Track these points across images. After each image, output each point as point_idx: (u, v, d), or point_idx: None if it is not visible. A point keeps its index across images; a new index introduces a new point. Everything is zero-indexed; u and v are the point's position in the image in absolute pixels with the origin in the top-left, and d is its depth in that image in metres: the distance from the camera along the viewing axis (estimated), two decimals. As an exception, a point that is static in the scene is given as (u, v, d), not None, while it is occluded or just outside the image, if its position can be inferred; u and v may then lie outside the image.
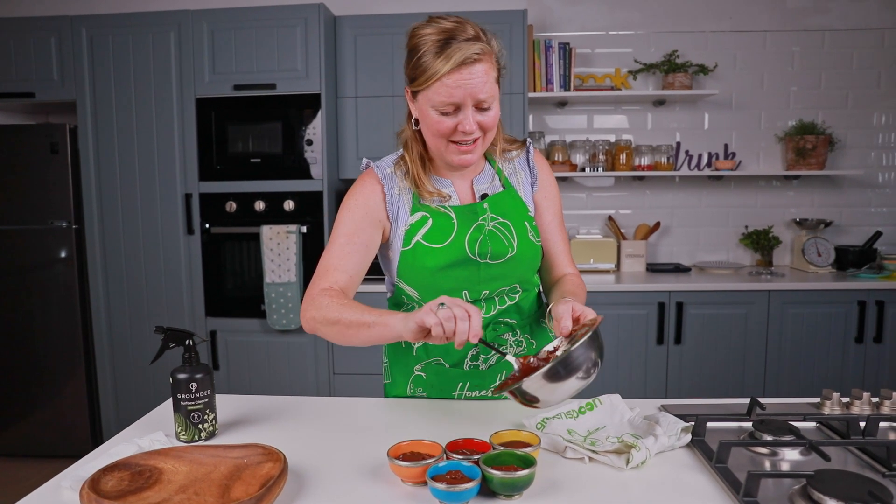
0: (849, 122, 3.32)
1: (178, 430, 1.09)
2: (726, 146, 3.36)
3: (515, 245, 1.24)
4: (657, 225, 3.36)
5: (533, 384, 0.94)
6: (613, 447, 1.00)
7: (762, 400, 1.16)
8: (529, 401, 0.98)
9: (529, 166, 1.33)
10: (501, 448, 0.95)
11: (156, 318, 3.00)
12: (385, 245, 1.27)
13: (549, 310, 1.16)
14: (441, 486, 0.85)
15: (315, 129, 2.89)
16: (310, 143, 2.89)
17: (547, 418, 1.12)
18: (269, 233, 2.86)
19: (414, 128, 1.21)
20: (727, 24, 3.29)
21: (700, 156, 3.36)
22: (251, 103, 2.88)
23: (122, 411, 3.08)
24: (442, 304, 0.97)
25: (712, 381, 2.88)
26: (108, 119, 2.92)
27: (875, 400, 1.21)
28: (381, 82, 3.02)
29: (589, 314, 1.06)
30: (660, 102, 3.34)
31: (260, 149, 2.91)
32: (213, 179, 2.92)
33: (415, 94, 1.16)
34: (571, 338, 1.06)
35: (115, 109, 2.92)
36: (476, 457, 0.93)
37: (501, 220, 1.24)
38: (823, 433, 1.10)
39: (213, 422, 1.11)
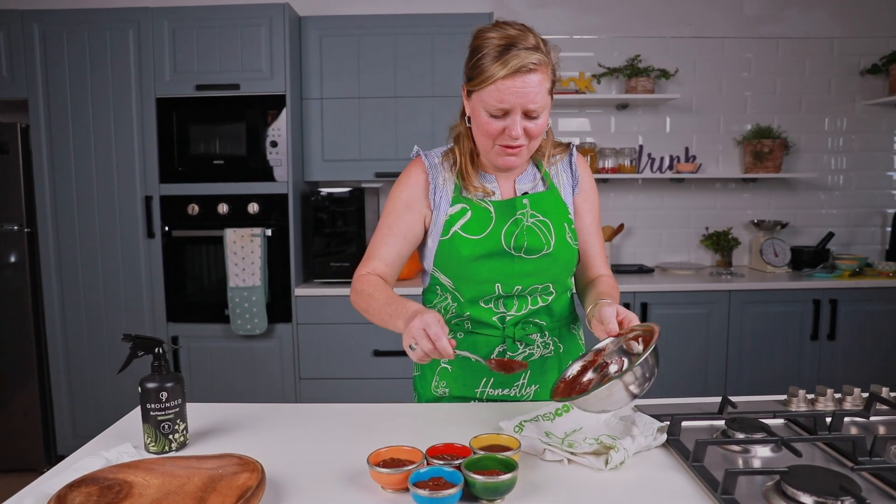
0: (802, 126, 3.44)
1: (148, 442, 1.05)
2: (687, 149, 3.44)
3: (553, 243, 1.26)
4: (621, 227, 3.41)
5: (593, 398, 0.96)
6: (592, 448, 1.00)
7: (732, 398, 1.18)
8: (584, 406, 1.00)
9: (572, 169, 1.35)
10: (482, 452, 0.95)
11: (114, 323, 2.90)
12: (425, 233, 1.32)
13: (590, 312, 1.18)
14: (423, 492, 0.84)
15: (280, 131, 2.84)
16: (274, 144, 2.84)
17: (524, 421, 1.13)
18: (232, 236, 2.80)
19: (467, 125, 1.25)
20: (687, 30, 3.37)
21: (662, 158, 3.43)
22: (214, 104, 2.82)
23: (78, 423, 2.97)
24: (411, 345, 1.03)
25: (677, 379, 2.94)
26: (63, 118, 2.82)
27: (838, 396, 1.25)
28: (346, 84, 2.99)
29: (633, 319, 1.10)
30: (623, 106, 3.40)
31: (223, 150, 2.85)
32: (174, 181, 2.85)
33: (469, 93, 1.19)
34: (618, 340, 1.11)
35: (70, 108, 2.81)
36: (457, 462, 0.92)
37: (541, 217, 1.27)
38: (791, 430, 1.13)
39: (185, 432, 1.08)
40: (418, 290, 1.51)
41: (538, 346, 1.32)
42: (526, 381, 1.32)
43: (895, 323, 2.95)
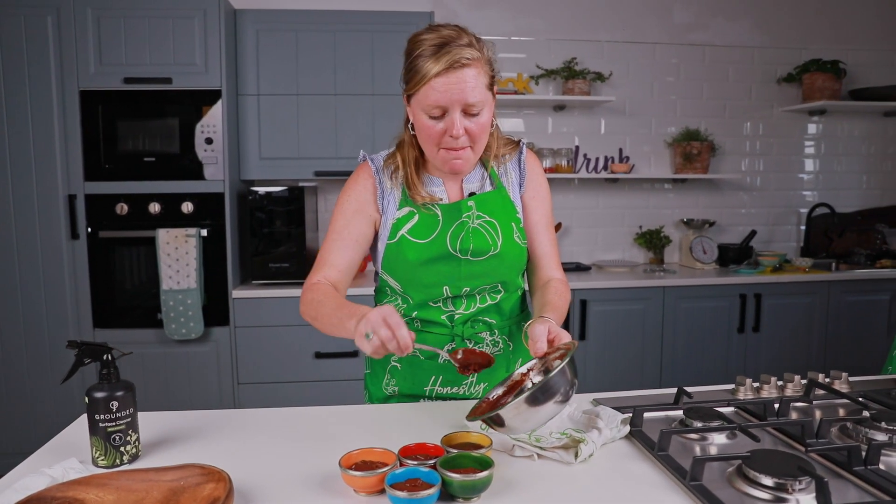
0: (726, 130, 3.63)
1: (96, 455, 0.98)
2: (621, 150, 3.56)
3: (500, 244, 1.25)
4: (559, 226, 3.49)
5: (508, 412, 0.93)
6: (561, 443, 1.02)
7: (686, 389, 1.23)
8: (499, 425, 0.96)
9: (520, 166, 1.33)
10: (455, 451, 0.94)
11: (34, 331, 2.71)
12: (374, 236, 1.30)
13: (526, 328, 1.15)
14: (402, 493, 0.82)
15: (215, 128, 2.73)
16: (209, 141, 2.73)
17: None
18: (165, 237, 2.67)
19: (411, 132, 1.23)
20: (621, 35, 3.48)
21: (597, 159, 3.53)
22: (144, 98, 2.68)
23: (-7, 438, 2.75)
24: (368, 334, 0.99)
25: (615, 373, 3.04)
26: (-28, 111, 2.60)
27: (780, 384, 1.32)
28: (284, 80, 2.91)
29: (564, 337, 1.06)
30: (560, 107, 3.48)
31: (154, 147, 2.71)
32: (100, 179, 2.68)
33: (409, 98, 1.18)
34: (544, 359, 1.09)
35: (-19, 100, 2.60)
36: (431, 461, 0.91)
37: (488, 218, 1.26)
38: (743, 416, 1.19)
39: (137, 443, 1.01)
40: (369, 290, 1.48)
41: (487, 345, 1.31)
42: (474, 379, 1.32)
43: (812, 314, 3.15)
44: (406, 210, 1.25)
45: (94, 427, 0.98)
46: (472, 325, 1.29)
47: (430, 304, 1.28)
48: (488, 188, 1.30)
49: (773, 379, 1.30)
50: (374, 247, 1.32)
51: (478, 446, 0.97)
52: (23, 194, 2.66)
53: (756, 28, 3.57)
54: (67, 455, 1.02)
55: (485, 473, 0.86)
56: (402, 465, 0.91)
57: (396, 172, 1.27)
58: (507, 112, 3.48)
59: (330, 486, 0.92)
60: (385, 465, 0.91)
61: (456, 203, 1.26)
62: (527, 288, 1.41)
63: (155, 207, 2.71)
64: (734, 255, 3.38)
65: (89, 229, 2.71)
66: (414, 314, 1.29)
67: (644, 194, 3.62)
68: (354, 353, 2.83)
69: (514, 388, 1.11)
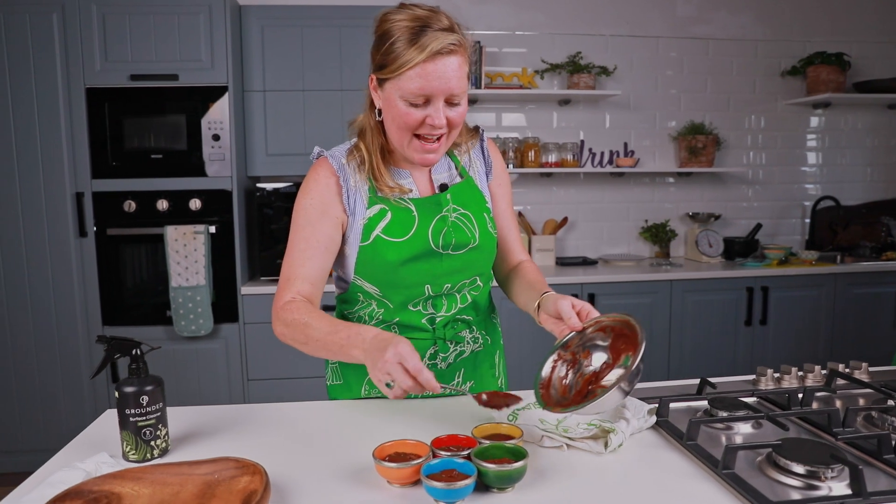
0: (730, 123, 3.63)
1: (127, 450, 0.98)
2: (626, 144, 3.56)
3: (478, 236, 1.23)
4: (564, 220, 3.49)
5: (598, 405, 0.95)
6: (590, 433, 1.02)
7: (710, 379, 1.24)
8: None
9: (484, 155, 1.31)
10: (488, 442, 0.94)
11: (43, 328, 2.71)
12: (341, 239, 1.22)
13: (537, 307, 1.16)
14: (439, 484, 0.83)
15: (222, 124, 2.73)
16: (216, 138, 2.72)
17: (518, 409, 1.13)
18: (174, 234, 2.66)
19: (377, 118, 1.17)
20: (625, 29, 3.48)
21: (602, 153, 3.54)
22: (151, 95, 2.67)
23: (2, 434, 2.75)
24: (388, 383, 0.97)
25: (622, 366, 3.04)
26: (-22, 109, 2.59)
27: (800, 374, 1.33)
28: (290, 76, 2.91)
29: (590, 309, 1.08)
30: (565, 102, 3.48)
31: (161, 144, 2.71)
32: (108, 177, 2.68)
33: (381, 82, 1.11)
34: (581, 333, 1.10)
35: (-13, 98, 2.59)
36: (465, 452, 0.91)
37: (463, 210, 1.23)
38: (766, 406, 1.19)
39: (166, 437, 1.02)
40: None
41: (468, 343, 1.29)
42: (461, 378, 1.30)
43: (819, 307, 3.16)
44: (377, 208, 1.17)
45: (124, 422, 0.98)
46: (452, 325, 1.26)
47: (410, 307, 1.22)
48: (457, 179, 1.26)
49: (794, 369, 1.31)
50: (339, 251, 1.22)
51: (508, 437, 0.97)
52: (30, 193, 2.65)
53: (759, 21, 3.58)
54: (96, 450, 1.02)
55: (520, 463, 0.87)
56: (435, 456, 0.92)
57: (362, 166, 1.19)
58: (511, 107, 3.48)
59: (363, 477, 0.92)
60: (418, 456, 0.91)
61: (434, 196, 1.21)
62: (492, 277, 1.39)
63: (163, 204, 2.70)
64: (740, 249, 3.39)
65: (97, 227, 2.70)
66: (395, 320, 1.23)
67: (649, 188, 3.63)
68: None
69: (566, 365, 1.11)
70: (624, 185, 3.61)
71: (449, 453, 0.92)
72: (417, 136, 1.11)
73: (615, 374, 1.06)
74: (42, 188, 2.65)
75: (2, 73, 2.59)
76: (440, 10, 1.09)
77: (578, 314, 1.08)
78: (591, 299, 2.98)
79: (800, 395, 1.17)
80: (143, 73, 2.65)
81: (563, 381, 1.09)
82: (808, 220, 3.74)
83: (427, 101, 1.08)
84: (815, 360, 3.12)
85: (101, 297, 2.72)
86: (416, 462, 0.88)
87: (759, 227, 3.43)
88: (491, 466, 0.86)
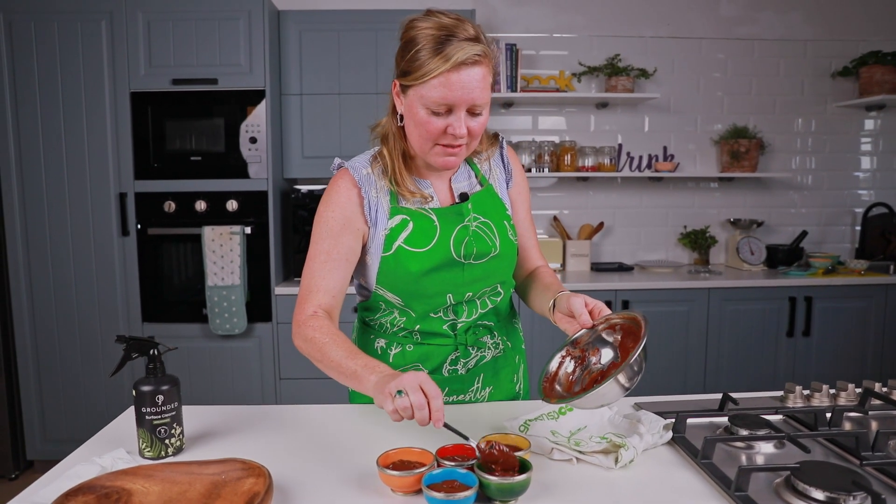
0: (776, 127, 3.50)
1: (143, 447, 1.01)
2: (665, 148, 3.48)
3: (498, 244, 1.22)
4: (601, 225, 3.44)
5: (594, 396, 0.94)
6: (601, 447, 1.00)
7: (732, 395, 1.19)
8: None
9: (503, 162, 1.31)
10: (494, 453, 0.93)
11: (87, 324, 2.81)
12: (362, 250, 1.22)
13: (551, 305, 1.16)
14: (438, 494, 0.82)
15: (259, 127, 2.78)
16: (253, 140, 2.78)
17: (529, 420, 1.12)
18: (211, 234, 2.73)
19: (399, 123, 1.17)
20: (665, 30, 3.40)
21: (641, 157, 3.47)
22: (191, 98, 2.75)
23: (48, 426, 2.87)
24: (400, 391, 0.92)
25: (657, 376, 2.97)
26: (32, 112, 2.71)
27: (832, 392, 1.27)
28: (326, 80, 2.95)
29: (602, 307, 1.08)
30: (602, 105, 3.42)
31: (200, 146, 2.78)
32: (149, 178, 2.76)
33: (404, 88, 1.11)
34: (593, 330, 1.09)
35: (40, 102, 2.71)
36: (469, 463, 0.91)
37: (484, 219, 1.22)
38: (791, 425, 1.15)
39: (181, 436, 1.04)
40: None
41: (489, 348, 1.29)
42: (480, 384, 1.29)
43: (867, 319, 3.02)
44: (399, 218, 1.18)
45: (140, 419, 1.01)
46: (473, 331, 1.26)
47: (432, 314, 1.22)
48: (477, 188, 1.26)
49: (825, 387, 1.25)
50: (361, 261, 1.23)
51: (516, 448, 0.96)
52: (77, 192, 2.76)
53: (808, 20, 3.44)
54: (116, 445, 1.06)
55: (523, 476, 0.85)
56: (439, 465, 0.91)
57: (385, 173, 1.19)
58: (549, 110, 3.45)
59: (367, 484, 0.93)
60: (422, 465, 0.91)
61: (455, 206, 1.21)
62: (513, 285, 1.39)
63: (201, 205, 2.77)
64: (783, 257, 3.27)
65: (139, 226, 2.79)
66: (416, 327, 1.23)
67: (689, 193, 3.54)
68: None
69: (566, 361, 1.10)
70: (663, 189, 3.53)
71: (453, 463, 0.91)
72: (438, 143, 1.12)
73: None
74: (88, 188, 2.75)
75: (54, 78, 2.70)
76: (466, 19, 1.09)
77: (591, 312, 1.07)
78: (625, 306, 2.93)
79: (828, 415, 1.12)
80: (185, 77, 2.72)
81: (570, 377, 1.09)
82: (858, 228, 3.58)
83: (449, 111, 1.08)
84: (861, 375, 2.98)
85: (142, 295, 2.81)
86: (418, 471, 0.88)
87: (804, 234, 3.31)
88: (493, 479, 0.85)
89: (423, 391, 0.92)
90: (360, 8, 3.00)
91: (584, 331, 1.10)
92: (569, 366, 1.10)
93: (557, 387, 1.07)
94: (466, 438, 0.96)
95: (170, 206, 2.77)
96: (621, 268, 3.31)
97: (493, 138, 1.31)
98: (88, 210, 2.77)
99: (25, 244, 2.77)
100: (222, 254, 2.74)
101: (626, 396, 0.99)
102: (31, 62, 2.69)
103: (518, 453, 0.92)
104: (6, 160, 2.72)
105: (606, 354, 1.08)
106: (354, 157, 1.24)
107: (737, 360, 3.00)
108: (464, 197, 1.23)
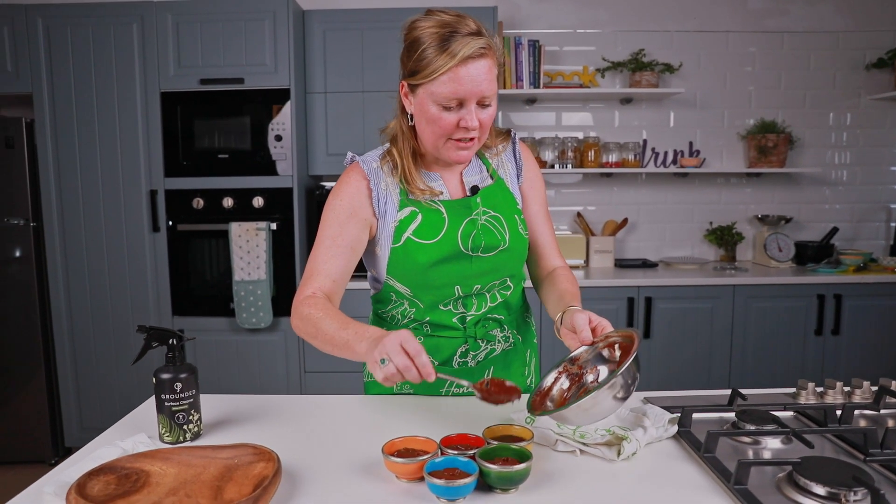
0: (806, 121, 3.43)
1: (162, 432, 1.06)
2: (691, 144, 3.44)
3: (507, 238, 1.24)
4: (625, 221, 3.42)
5: (576, 409, 0.93)
6: (604, 440, 1.01)
7: (743, 391, 1.19)
8: (562, 419, 0.97)
9: (515, 157, 1.33)
10: (496, 442, 0.95)
11: (120, 317, 2.91)
12: (371, 241, 1.25)
13: (559, 319, 1.15)
14: (439, 481, 0.85)
15: (284, 125, 2.84)
16: (279, 138, 2.84)
17: (535, 413, 1.13)
18: (237, 230, 2.80)
19: (409, 123, 1.19)
20: (691, 24, 3.36)
21: (666, 153, 3.43)
22: (218, 98, 2.82)
23: (85, 415, 2.98)
24: (383, 359, 0.93)
25: (680, 374, 2.95)
26: (68, 113, 2.82)
27: (847, 389, 1.26)
28: (350, 78, 2.99)
29: (606, 325, 1.06)
30: (627, 100, 3.40)
31: (228, 144, 2.85)
32: (179, 175, 2.85)
33: (413, 87, 1.13)
34: (593, 347, 1.08)
35: (75, 103, 2.81)
36: (471, 452, 0.93)
37: (493, 213, 1.24)
38: (801, 422, 1.14)
39: (198, 422, 1.08)
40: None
41: (499, 342, 1.30)
42: (490, 376, 1.30)
43: (899, 317, 2.95)
44: (408, 210, 1.20)
45: (160, 406, 1.05)
46: (483, 324, 1.28)
47: (441, 306, 1.24)
48: (488, 182, 1.28)
49: (839, 384, 1.24)
50: (372, 252, 1.26)
51: (519, 439, 0.98)
52: (111, 190, 2.86)
53: (840, 11, 3.36)
54: (139, 430, 1.11)
55: (522, 465, 0.87)
56: (442, 454, 0.94)
57: (395, 170, 1.22)
58: (573, 106, 3.44)
59: (374, 471, 0.96)
60: (426, 453, 0.93)
61: (464, 199, 1.23)
62: (527, 278, 1.40)
63: (228, 202, 2.85)
64: (813, 254, 3.21)
65: (169, 222, 2.88)
66: (426, 319, 1.25)
67: (715, 189, 3.49)
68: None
69: (563, 378, 1.10)
70: (688, 185, 3.49)
71: (455, 452, 0.93)
72: (451, 138, 1.14)
73: None
74: (121, 186, 2.85)
75: (88, 79, 2.80)
76: (466, 15, 1.11)
77: (594, 330, 1.06)
78: (648, 303, 2.91)
79: (838, 412, 1.11)
80: (212, 77, 2.79)
81: (565, 393, 1.08)
82: (893, 224, 3.49)
83: (460, 105, 1.11)
84: (891, 374, 2.91)
85: (172, 289, 2.90)
86: (421, 458, 0.90)
87: (835, 230, 3.24)
88: (493, 467, 0.87)
89: (405, 352, 0.92)
90: (383, 6, 3.03)
91: (583, 348, 1.09)
92: (564, 383, 1.09)
93: (549, 403, 1.06)
94: (463, 387, 0.99)
95: (198, 202, 2.85)
96: (645, 264, 3.29)
97: (506, 134, 1.33)
98: (121, 207, 2.86)
99: (62, 241, 2.89)
100: (248, 249, 2.81)
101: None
102: (68, 65, 2.79)
103: (520, 444, 0.94)
104: (45, 160, 2.84)
105: (603, 372, 1.08)
106: (366, 153, 1.27)
107: (762, 359, 2.96)
108: (474, 190, 1.25)
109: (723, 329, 2.94)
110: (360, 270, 1.33)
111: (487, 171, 1.29)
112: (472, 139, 1.14)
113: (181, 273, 2.90)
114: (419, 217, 1.21)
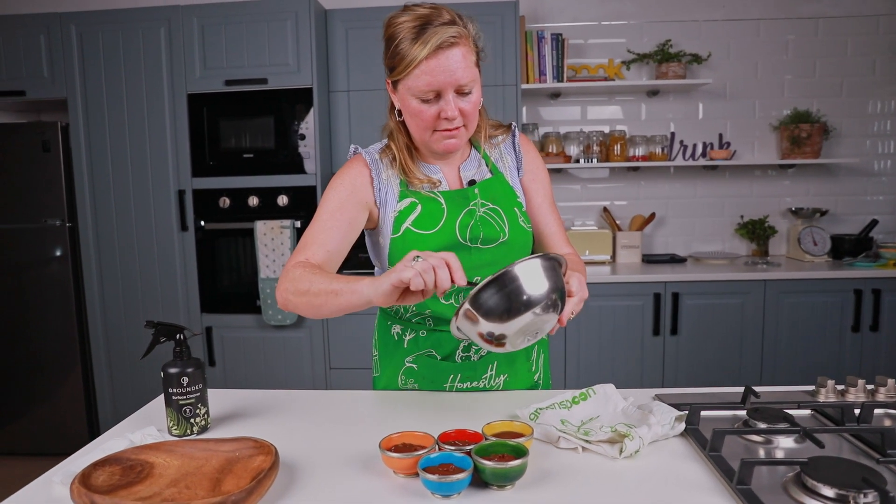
0: (844, 110, 3.31)
1: (170, 425, 1.08)
2: (721, 136, 3.35)
3: (507, 231, 1.23)
4: (652, 216, 3.35)
5: (485, 294, 0.92)
6: (607, 437, 0.99)
7: (757, 388, 1.15)
8: (491, 337, 0.97)
9: (515, 150, 1.32)
10: (493, 439, 0.94)
11: (151, 314, 2.99)
12: (374, 232, 1.27)
13: None
14: (433, 477, 0.84)
15: (308, 124, 2.87)
16: (303, 137, 2.87)
17: (540, 409, 1.12)
18: (262, 228, 2.84)
19: (398, 118, 1.21)
20: (720, 13, 3.27)
21: (695, 146, 3.35)
22: (243, 98, 2.87)
23: (118, 408, 3.08)
24: (417, 257, 0.94)
25: (709, 371, 2.88)
26: (100, 116, 2.91)
27: (870, 387, 1.20)
28: (373, 76, 3.00)
29: (583, 293, 1.06)
30: (653, 93, 3.33)
31: (253, 144, 2.90)
32: (206, 175, 2.91)
33: (395, 84, 1.15)
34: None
35: (107, 106, 2.90)
36: (468, 447, 0.92)
37: (492, 206, 1.24)
38: (818, 420, 1.10)
39: (206, 416, 1.10)
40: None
41: None
42: (494, 371, 1.29)
43: (942, 313, 2.82)
44: (407, 201, 1.21)
45: (168, 399, 1.08)
46: None
47: (442, 300, 1.23)
48: (486, 175, 1.27)
49: (861, 381, 1.19)
50: (377, 244, 1.28)
51: (519, 435, 0.97)
52: (140, 190, 2.93)
53: (880, -5, 3.23)
54: (149, 423, 1.14)
55: (517, 462, 0.86)
56: (439, 449, 0.93)
57: (394, 162, 1.23)
58: (598, 100, 3.39)
59: (371, 466, 0.96)
60: (423, 448, 0.93)
61: (461, 190, 1.23)
62: None
63: (253, 201, 2.89)
64: (850, 247, 3.09)
65: (200, 221, 2.94)
66: (427, 311, 1.24)
67: (747, 182, 3.39)
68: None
69: None
70: (718, 178, 3.40)
71: (453, 448, 0.93)
72: (436, 130, 1.15)
73: None
74: (150, 186, 2.92)
75: (119, 83, 2.88)
76: (442, 7, 1.12)
77: (570, 293, 1.05)
78: (675, 299, 2.85)
79: (856, 411, 1.07)
80: (237, 78, 2.84)
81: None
82: (937, 217, 3.34)
83: (438, 96, 1.11)
84: (934, 372, 2.79)
85: (200, 287, 2.96)
86: (417, 454, 0.90)
87: (874, 223, 3.11)
88: (488, 463, 0.86)
89: (439, 256, 0.93)
90: (404, 3, 3.03)
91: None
92: None
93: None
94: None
95: (224, 201, 2.91)
96: (673, 259, 3.22)
97: (507, 127, 1.33)
98: (150, 207, 2.94)
99: (96, 241, 2.98)
100: (273, 247, 2.85)
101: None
102: (99, 69, 2.88)
103: (519, 440, 0.93)
104: (79, 162, 2.93)
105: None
106: (369, 147, 1.29)
107: (796, 356, 2.87)
108: (472, 184, 1.25)
109: (753, 325, 2.86)
110: (367, 266, 1.34)
111: (487, 164, 1.29)
112: (457, 128, 1.14)
113: (209, 271, 2.97)
114: (419, 208, 1.21)
